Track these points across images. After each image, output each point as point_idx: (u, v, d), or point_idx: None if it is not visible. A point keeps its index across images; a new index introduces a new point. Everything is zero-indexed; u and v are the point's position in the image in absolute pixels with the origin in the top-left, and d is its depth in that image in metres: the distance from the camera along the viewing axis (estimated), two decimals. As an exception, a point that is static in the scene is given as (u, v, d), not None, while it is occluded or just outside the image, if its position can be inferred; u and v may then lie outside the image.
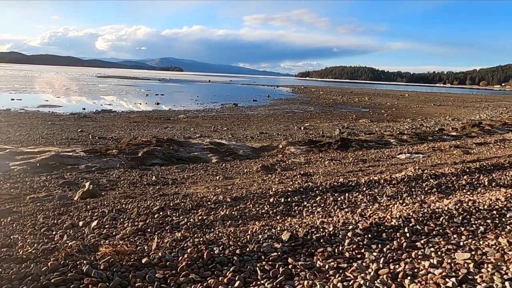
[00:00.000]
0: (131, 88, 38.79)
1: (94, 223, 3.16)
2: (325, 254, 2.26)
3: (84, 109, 17.79)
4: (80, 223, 3.20)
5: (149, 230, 2.92)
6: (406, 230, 2.58)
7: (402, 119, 18.40)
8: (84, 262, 2.06)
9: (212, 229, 2.86)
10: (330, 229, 2.59)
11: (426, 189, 3.98)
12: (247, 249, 2.30)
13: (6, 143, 8.82)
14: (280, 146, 9.09)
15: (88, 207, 3.79)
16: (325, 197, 3.76)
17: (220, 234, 2.60)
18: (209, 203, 3.69)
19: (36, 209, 3.79)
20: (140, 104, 22.17)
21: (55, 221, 3.30)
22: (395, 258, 2.18)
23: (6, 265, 2.04)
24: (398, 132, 12.49)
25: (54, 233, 2.96)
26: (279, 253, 2.27)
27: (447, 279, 1.87)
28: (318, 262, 2.16)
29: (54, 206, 3.88)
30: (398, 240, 2.44)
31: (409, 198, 3.64)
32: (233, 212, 3.34)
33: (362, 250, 2.29)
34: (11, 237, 2.83)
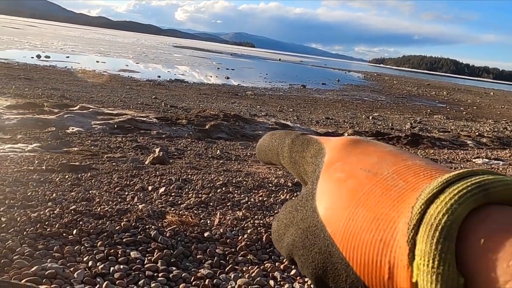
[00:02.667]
0: (204, 60, 39.91)
1: (162, 189, 3.34)
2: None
3: (159, 76, 18.70)
4: (149, 188, 3.41)
5: (211, 204, 3.02)
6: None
7: (483, 120, 16.94)
8: (152, 227, 2.20)
9: (272, 212, 2.89)
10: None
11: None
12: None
13: (90, 102, 9.60)
14: (346, 135, 8.87)
15: (157, 173, 4.02)
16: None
17: (279, 219, 2.62)
18: (270, 185, 3.72)
19: (112, 169, 4.11)
20: (211, 77, 22.77)
21: (128, 182, 3.55)
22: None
23: (86, 219, 2.25)
24: (476, 133, 11.53)
25: (126, 193, 3.19)
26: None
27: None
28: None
29: (127, 168, 4.17)
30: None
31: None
32: (293, 198, 3.34)
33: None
34: (90, 192, 3.11)
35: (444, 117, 16.07)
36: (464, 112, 19.15)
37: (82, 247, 1.95)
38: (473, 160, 7.23)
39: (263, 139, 0.34)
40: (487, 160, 7.34)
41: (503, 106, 26.00)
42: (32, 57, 18.09)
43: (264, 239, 2.23)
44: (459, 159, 7.27)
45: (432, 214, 0.18)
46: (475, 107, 22.83)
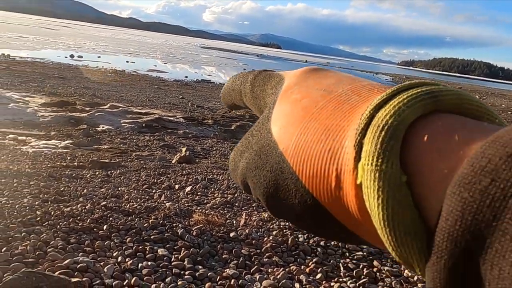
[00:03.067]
0: (230, 61, 40.21)
1: (188, 188, 3.39)
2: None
3: (186, 77, 18.97)
4: (176, 186, 3.46)
5: (236, 204, 3.04)
6: None
7: (518, 126, 16.26)
8: (179, 225, 2.23)
9: (297, 215, 2.87)
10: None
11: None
12: (332, 243, 2.27)
13: (119, 101, 9.85)
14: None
15: (184, 172, 4.08)
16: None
17: (305, 222, 2.61)
18: (295, 187, 3.71)
19: (140, 167, 4.20)
20: (237, 77, 22.84)
21: (155, 180, 3.62)
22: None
23: (116, 215, 2.31)
24: None
25: (153, 191, 3.25)
26: (364, 253, 2.20)
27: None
28: (407, 271, 2.05)
29: (155, 166, 4.25)
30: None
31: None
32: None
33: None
34: (119, 188, 3.19)
35: (476, 122, 15.51)
36: (498, 117, 18.41)
37: (112, 243, 2.00)
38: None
39: (227, 81, 0.34)
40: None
41: (540, 112, 24.87)
42: (66, 57, 18.74)
43: (289, 242, 2.22)
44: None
45: (380, 116, 0.18)
46: (509, 112, 21.93)
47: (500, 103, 28.65)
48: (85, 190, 2.93)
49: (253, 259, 2.03)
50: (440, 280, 0.15)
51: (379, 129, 0.18)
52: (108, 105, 8.04)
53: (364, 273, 2.00)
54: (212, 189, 3.46)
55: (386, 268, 2.07)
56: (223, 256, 2.02)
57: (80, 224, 2.13)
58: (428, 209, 0.16)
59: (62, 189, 2.87)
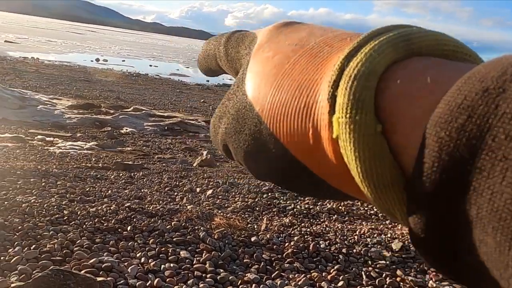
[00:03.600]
0: (251, 66, 40.32)
1: (209, 191, 3.41)
2: (439, 275, 2.08)
3: (207, 81, 19.16)
4: (197, 189, 3.49)
5: (257, 208, 3.04)
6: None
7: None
8: (201, 228, 2.25)
9: (318, 221, 2.85)
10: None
11: None
12: (354, 250, 2.24)
13: (142, 104, 10.04)
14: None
15: (205, 175, 4.12)
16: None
17: (327, 229, 2.58)
18: (316, 193, 3.68)
19: (162, 169, 4.26)
20: (258, 82, 22.94)
21: (177, 183, 3.67)
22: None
23: (139, 216, 2.35)
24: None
25: (175, 194, 3.29)
26: (387, 262, 2.17)
27: None
28: (431, 282, 2.00)
29: (177, 169, 4.31)
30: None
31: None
32: (340, 207, 3.28)
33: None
34: (142, 190, 3.24)
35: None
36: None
37: (136, 243, 2.04)
38: None
39: (202, 47, 0.33)
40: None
41: None
42: (92, 61, 19.26)
43: (311, 248, 2.20)
44: None
45: (352, 66, 0.17)
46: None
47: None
48: (109, 191, 2.99)
49: (274, 264, 2.03)
50: (421, 226, 0.15)
51: (351, 79, 0.17)
52: (132, 108, 8.21)
53: (387, 282, 1.96)
54: (233, 193, 3.47)
55: (410, 278, 2.03)
56: (244, 261, 2.03)
57: (105, 225, 2.18)
58: (405, 157, 0.16)
59: (87, 189, 2.94)
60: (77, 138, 5.49)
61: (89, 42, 36.87)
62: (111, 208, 2.42)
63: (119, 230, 2.15)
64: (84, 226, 2.15)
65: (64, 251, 1.86)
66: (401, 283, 1.99)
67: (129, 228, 2.18)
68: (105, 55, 23.61)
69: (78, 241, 1.97)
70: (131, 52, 32.43)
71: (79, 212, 2.30)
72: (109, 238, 2.05)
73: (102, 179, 3.46)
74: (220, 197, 3.32)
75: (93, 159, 4.42)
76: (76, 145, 5.03)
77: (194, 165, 4.80)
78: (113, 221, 2.22)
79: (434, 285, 1.97)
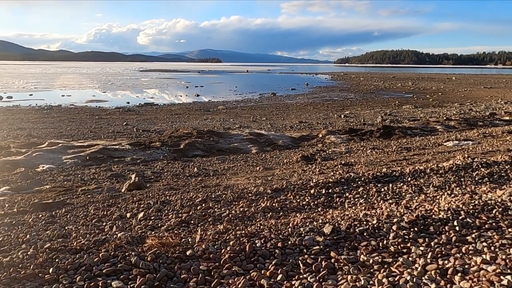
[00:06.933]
0: (172, 81, 39.72)
1: (141, 214, 3.28)
2: (369, 248, 2.21)
3: (128, 103, 18.46)
4: (128, 215, 3.33)
5: (192, 221, 2.99)
6: (455, 223, 2.46)
7: (449, 104, 17.53)
8: (133, 253, 2.15)
9: (254, 221, 2.88)
10: (374, 222, 2.53)
11: (476, 179, 3.77)
12: (289, 242, 2.30)
13: (58, 137, 9.36)
14: (320, 136, 8.97)
15: (135, 198, 3.95)
16: (367, 188, 3.66)
17: (261, 227, 2.62)
18: (250, 194, 3.71)
19: (87, 201, 4.00)
20: (181, 96, 22.68)
21: (105, 213, 3.47)
22: (443, 253, 2.09)
23: (62, 255, 2.17)
24: (444, 118, 11.91)
25: (104, 224, 3.10)
26: (321, 246, 2.25)
27: (501, 277, 1.76)
28: (362, 256, 2.11)
29: (103, 198, 4.08)
30: (447, 234, 2.33)
31: (458, 188, 3.47)
32: (274, 204, 3.34)
33: (408, 245, 2.21)
34: (66, 227, 3.01)
35: (413, 107, 16.53)
36: (431, 99, 19.76)
37: (61, 285, 1.88)
38: (445, 144, 7.44)
39: None
40: (457, 142, 7.57)
41: (466, 89, 27.01)
42: (-7, 100, 17.55)
43: (247, 249, 2.21)
44: (431, 145, 7.48)
45: None
46: (440, 93, 23.59)
47: (431, 86, 30.77)
48: (27, 236, 2.74)
49: (212, 273, 2.00)
50: None
51: None
52: (46, 143, 7.62)
53: (323, 266, 2.04)
54: (166, 211, 3.37)
55: (343, 256, 2.12)
56: (182, 276, 1.97)
57: (22, 272, 1.98)
58: None
59: (0, 239, 2.66)
60: (-16, 186, 4.94)
61: (-12, 80, 33.54)
62: (28, 253, 2.22)
63: (40, 274, 1.97)
64: (-2, 279, 1.93)
65: (-24, 311, 1.66)
66: (336, 263, 2.08)
67: (51, 270, 2.01)
68: (8, 92, 21.63)
69: (-8, 297, 1.77)
70: (38, 85, 30.09)
71: (-10, 266, 2.07)
72: (29, 286, 1.87)
73: (18, 225, 3.15)
74: (152, 217, 3.21)
75: (6, 205, 4.01)
76: (-16, 194, 4.52)
77: (123, 190, 4.58)
78: (31, 267, 2.03)
79: (365, 258, 2.09)
